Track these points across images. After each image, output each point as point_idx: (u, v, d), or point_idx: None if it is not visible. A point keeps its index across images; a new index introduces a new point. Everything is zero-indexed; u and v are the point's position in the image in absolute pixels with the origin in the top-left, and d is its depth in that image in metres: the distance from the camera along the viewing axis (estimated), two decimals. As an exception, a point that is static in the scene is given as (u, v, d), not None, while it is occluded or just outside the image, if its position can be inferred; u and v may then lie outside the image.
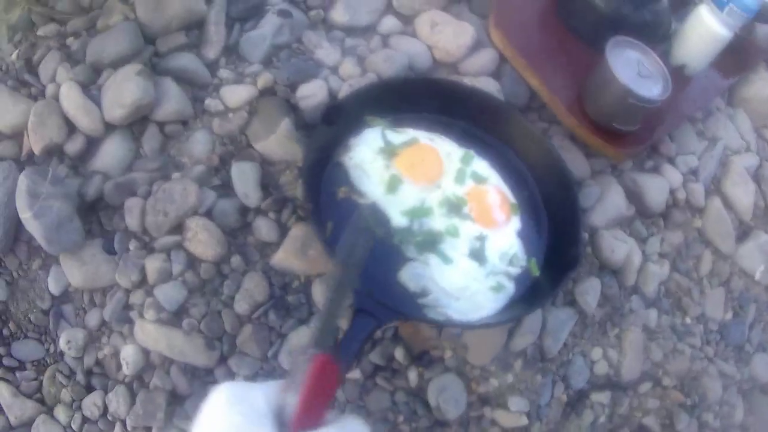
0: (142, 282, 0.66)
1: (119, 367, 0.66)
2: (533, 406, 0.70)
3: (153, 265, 0.65)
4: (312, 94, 0.68)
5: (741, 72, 0.86)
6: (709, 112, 0.82)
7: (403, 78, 0.71)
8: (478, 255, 0.64)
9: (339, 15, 0.74)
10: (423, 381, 0.67)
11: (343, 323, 0.50)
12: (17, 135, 0.73)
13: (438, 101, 0.70)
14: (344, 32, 0.74)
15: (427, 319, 0.61)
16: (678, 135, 0.80)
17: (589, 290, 0.72)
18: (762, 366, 0.80)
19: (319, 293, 0.66)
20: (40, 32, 0.76)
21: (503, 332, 0.68)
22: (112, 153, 0.69)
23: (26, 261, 0.71)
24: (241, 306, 0.65)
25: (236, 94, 0.69)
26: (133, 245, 0.67)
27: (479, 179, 0.68)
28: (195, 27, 0.73)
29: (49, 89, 0.72)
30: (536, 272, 0.65)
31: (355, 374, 0.65)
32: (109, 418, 0.67)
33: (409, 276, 0.62)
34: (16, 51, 0.77)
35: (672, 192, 0.77)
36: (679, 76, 0.77)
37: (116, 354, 0.67)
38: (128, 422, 0.66)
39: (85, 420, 0.68)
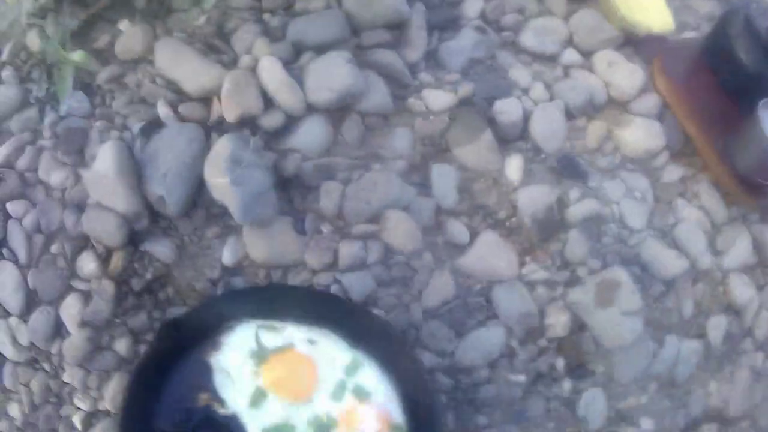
0: (332, 265, 0.68)
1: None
2: (658, 427, 0.77)
3: (348, 250, 0.67)
4: (508, 110, 0.73)
5: None
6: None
7: (267, 286, 0.68)
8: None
9: (528, 40, 0.80)
10: (575, 392, 0.72)
11: None
12: (206, 99, 0.74)
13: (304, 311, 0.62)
14: (531, 57, 0.79)
15: None
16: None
17: (716, 326, 0.80)
18: None
19: (500, 297, 0.69)
20: (233, 2, 0.77)
21: (648, 354, 0.75)
22: (312, 134, 0.71)
23: (201, 227, 0.72)
24: (429, 301, 0.68)
25: (439, 99, 0.73)
26: (326, 228, 0.69)
27: (362, 394, 0.60)
28: (397, 27, 0.76)
29: (245, 60, 0.74)
30: None
31: (520, 377, 0.70)
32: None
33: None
34: (205, 16, 0.77)
35: (787, 246, 0.87)
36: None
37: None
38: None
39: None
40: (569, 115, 0.77)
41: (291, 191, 0.70)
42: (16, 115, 0.77)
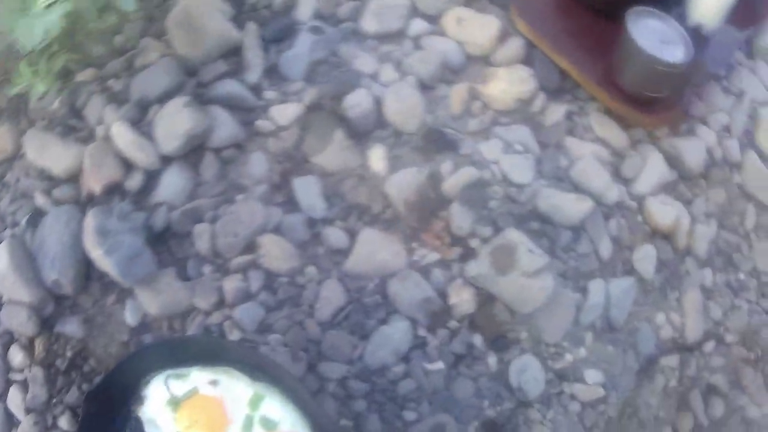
0: (221, 303, 0.69)
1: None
2: (608, 376, 0.74)
3: (231, 285, 0.68)
4: (357, 103, 0.72)
5: (756, 23, 0.90)
6: (732, 68, 0.87)
7: (169, 338, 0.70)
8: None
9: (368, 24, 0.78)
10: (503, 364, 0.70)
11: None
12: (73, 178, 0.76)
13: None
14: (377, 40, 0.77)
15: None
16: (706, 94, 0.84)
17: (646, 257, 0.75)
18: (819, 309, 0.83)
19: (395, 291, 0.68)
20: (79, 78, 0.79)
21: (571, 308, 0.72)
22: (173, 183, 0.72)
23: (101, 297, 0.74)
24: (322, 313, 0.67)
25: (285, 113, 0.72)
26: (207, 269, 0.70)
27: (269, 425, 0.62)
28: (233, 54, 0.77)
29: (99, 131, 0.76)
30: None
31: (438, 365, 0.68)
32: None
33: None
34: (58, 99, 0.80)
35: (709, 151, 0.81)
36: (697, 36, 0.81)
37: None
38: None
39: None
40: (425, 87, 0.75)
41: (168, 242, 0.72)
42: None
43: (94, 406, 0.65)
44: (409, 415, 0.68)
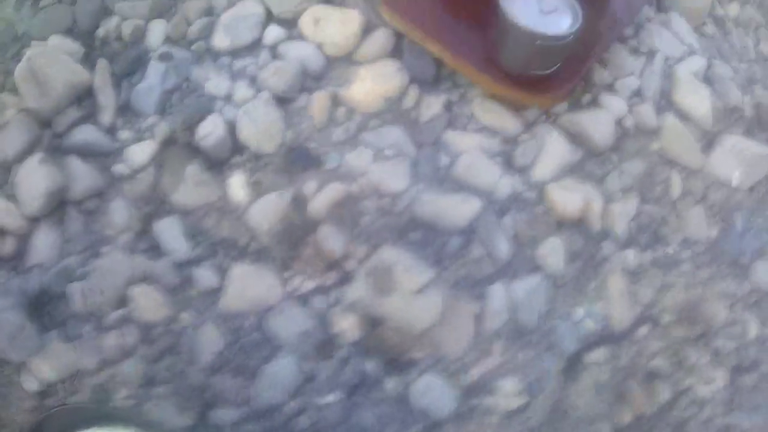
0: (104, 362, 0.67)
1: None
2: (525, 383, 0.68)
3: (109, 342, 0.66)
4: (210, 131, 0.67)
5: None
6: (640, 25, 0.76)
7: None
8: None
9: (221, 40, 0.72)
10: (403, 388, 0.66)
11: None
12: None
13: None
14: (230, 56, 0.72)
15: None
16: (610, 59, 0.74)
17: (551, 251, 0.68)
18: (764, 273, 0.74)
19: (274, 326, 0.65)
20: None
21: (470, 319, 0.66)
22: (42, 244, 0.70)
23: (-1, 369, 0.74)
24: (203, 359, 0.65)
25: (139, 153, 0.68)
26: (86, 328, 0.68)
27: None
28: (85, 96, 0.72)
29: (-33, 199, 0.74)
30: None
31: (331, 397, 0.64)
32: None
33: None
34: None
35: (618, 121, 0.72)
36: (597, -5, 0.71)
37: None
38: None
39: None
40: (283, 100, 0.69)
41: (46, 306, 0.70)
42: None
43: None
44: (308, 453, 0.66)
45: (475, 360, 0.67)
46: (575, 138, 0.71)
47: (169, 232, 0.67)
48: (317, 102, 0.68)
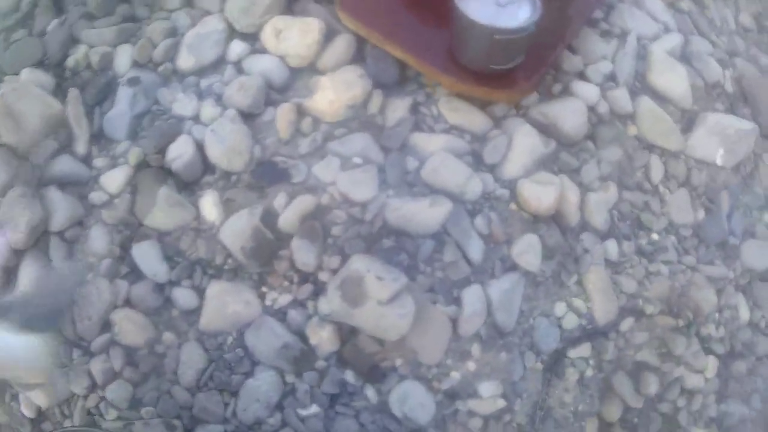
0: (93, 386, 0.69)
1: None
2: (507, 384, 0.67)
3: (97, 367, 0.68)
4: (180, 153, 0.68)
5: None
6: (611, 6, 0.74)
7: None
8: None
9: (185, 60, 0.73)
10: (383, 396, 0.66)
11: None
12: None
13: None
14: (196, 75, 0.72)
15: None
16: (580, 44, 0.71)
17: (527, 248, 0.67)
18: (755, 253, 0.71)
19: (253, 341, 0.65)
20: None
21: (446, 323, 0.65)
22: (29, 275, 0.71)
23: (-1, 396, 0.77)
24: (186, 378, 0.66)
25: (113, 179, 0.70)
26: (76, 354, 0.69)
27: None
28: (59, 126, 0.74)
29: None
30: None
31: (313, 409, 0.65)
32: None
33: None
34: None
35: (592, 108, 0.70)
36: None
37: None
38: None
39: None
40: (249, 116, 0.69)
41: (39, 332, 0.72)
42: None
43: None
44: (296, 463, 0.67)
45: (453, 364, 0.67)
46: (547, 129, 0.70)
47: (147, 255, 0.68)
48: (282, 115, 0.68)
